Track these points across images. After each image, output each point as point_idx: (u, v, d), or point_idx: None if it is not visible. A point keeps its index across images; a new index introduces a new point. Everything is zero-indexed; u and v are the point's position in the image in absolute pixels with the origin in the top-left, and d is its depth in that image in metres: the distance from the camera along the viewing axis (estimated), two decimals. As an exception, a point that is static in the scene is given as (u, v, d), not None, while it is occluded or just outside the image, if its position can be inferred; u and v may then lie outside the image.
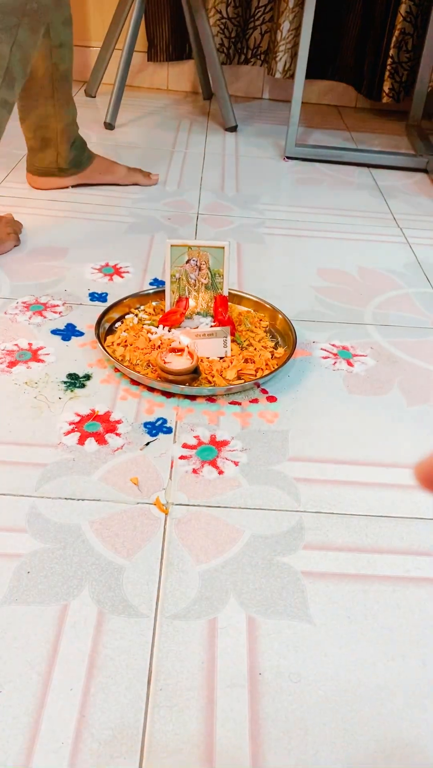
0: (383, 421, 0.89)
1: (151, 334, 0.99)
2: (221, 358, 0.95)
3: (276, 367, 0.94)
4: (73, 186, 1.50)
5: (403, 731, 0.56)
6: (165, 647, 0.60)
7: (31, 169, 1.46)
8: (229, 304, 1.04)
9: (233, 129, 1.99)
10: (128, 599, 0.64)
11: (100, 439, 0.82)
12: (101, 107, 2.07)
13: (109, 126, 1.89)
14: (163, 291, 1.04)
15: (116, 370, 0.94)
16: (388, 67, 2.10)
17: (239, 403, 0.90)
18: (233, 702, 0.57)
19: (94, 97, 2.15)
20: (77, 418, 0.85)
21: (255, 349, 0.98)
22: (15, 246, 1.23)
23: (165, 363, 0.90)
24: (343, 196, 1.61)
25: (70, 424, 0.84)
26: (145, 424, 0.85)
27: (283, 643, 0.61)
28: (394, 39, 2.05)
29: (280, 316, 1.05)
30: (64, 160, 1.44)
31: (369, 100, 2.26)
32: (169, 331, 1.00)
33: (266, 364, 0.95)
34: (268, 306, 1.07)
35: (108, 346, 0.97)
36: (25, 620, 0.61)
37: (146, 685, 0.57)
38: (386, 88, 2.13)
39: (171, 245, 0.99)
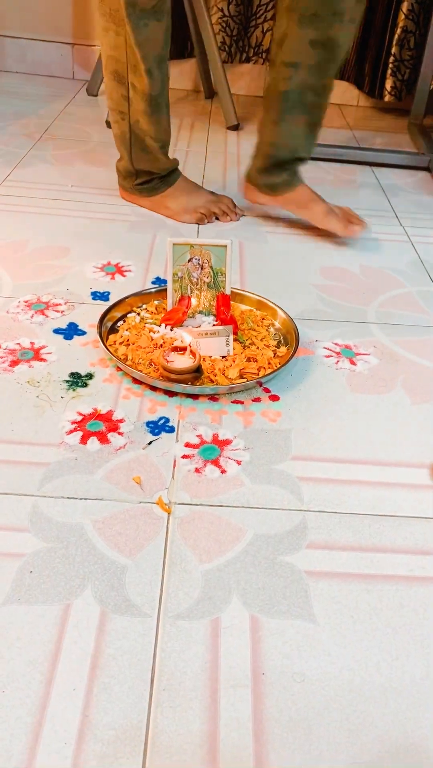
0: (387, 419, 0.89)
1: (154, 333, 0.99)
2: (223, 357, 0.95)
3: (279, 366, 0.94)
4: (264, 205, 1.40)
5: (408, 732, 0.55)
6: (168, 647, 0.60)
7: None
8: (231, 302, 1.04)
9: (235, 128, 1.98)
10: (131, 599, 0.64)
11: (103, 438, 0.82)
12: (103, 106, 2.06)
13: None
14: (166, 290, 1.04)
15: (118, 369, 0.94)
16: (390, 65, 2.09)
17: (242, 402, 0.90)
18: (237, 702, 0.56)
19: (96, 96, 2.15)
20: (79, 418, 0.84)
21: (257, 347, 0.98)
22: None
23: (167, 362, 0.90)
24: (345, 195, 1.61)
25: (73, 423, 0.84)
26: (148, 423, 0.85)
27: (286, 642, 0.61)
28: (396, 37, 2.05)
29: (282, 314, 1.05)
30: (257, 172, 1.33)
31: (371, 98, 2.26)
32: (171, 330, 1.00)
33: (269, 363, 0.95)
34: (270, 305, 1.07)
35: (110, 345, 0.96)
36: (27, 620, 0.61)
37: (149, 685, 0.57)
38: (388, 86, 2.13)
39: (173, 244, 0.99)
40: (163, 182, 1.39)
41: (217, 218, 1.41)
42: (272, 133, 1.28)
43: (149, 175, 1.37)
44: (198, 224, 1.39)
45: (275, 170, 1.31)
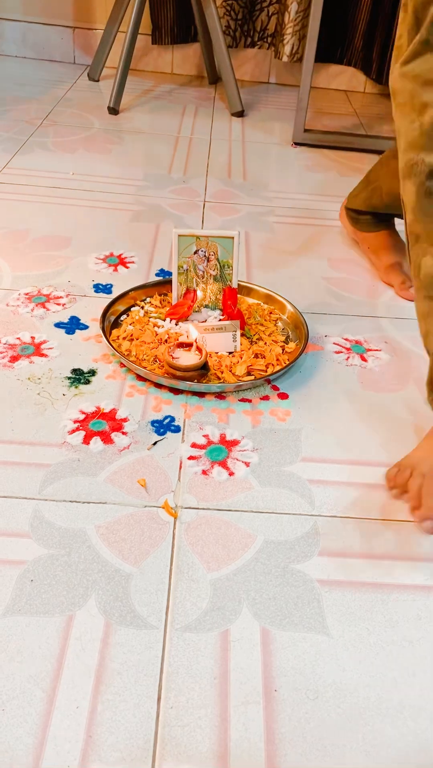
0: (400, 418, 0.86)
1: (158, 327, 0.96)
2: (230, 353, 0.92)
3: (287, 362, 0.91)
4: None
5: (428, 752, 0.53)
6: (175, 662, 0.57)
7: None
8: (238, 296, 1.00)
9: (240, 114, 1.94)
10: (136, 610, 0.61)
11: (106, 438, 0.79)
12: (105, 91, 2.02)
13: (113, 111, 1.84)
14: (170, 282, 1.00)
15: (122, 365, 0.90)
16: (398, 51, 2.04)
17: (250, 401, 0.87)
18: (248, 721, 0.54)
19: (98, 81, 2.10)
20: (82, 416, 0.81)
21: (265, 343, 0.94)
22: None
23: (173, 358, 0.87)
24: (353, 183, 1.56)
25: (75, 422, 0.81)
26: (153, 422, 0.82)
27: (299, 657, 0.58)
28: (405, 21, 1.99)
29: (291, 308, 1.01)
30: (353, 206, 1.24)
31: (379, 84, 2.21)
32: (176, 324, 0.96)
33: (277, 360, 0.91)
34: (278, 298, 1.04)
35: (113, 340, 0.93)
36: (28, 632, 0.58)
37: (156, 702, 0.54)
38: (396, 72, 2.08)
39: (178, 235, 0.95)
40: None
41: None
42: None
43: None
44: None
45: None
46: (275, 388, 0.89)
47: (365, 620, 0.62)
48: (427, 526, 0.71)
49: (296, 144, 1.76)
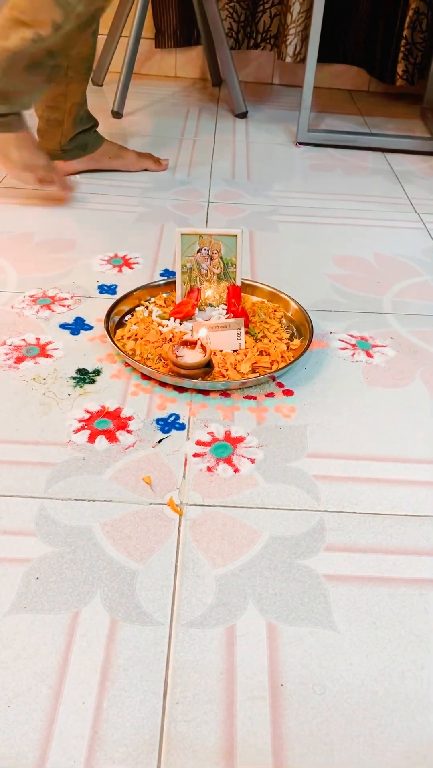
0: (406, 414, 0.86)
1: (163, 326, 0.96)
2: (234, 350, 0.92)
3: (292, 359, 0.91)
4: (79, 173, 1.45)
5: (435, 746, 0.52)
6: (181, 657, 0.57)
7: None
8: (242, 294, 1.00)
9: (243, 115, 1.94)
10: (142, 606, 0.61)
11: (111, 437, 0.79)
12: (108, 96, 2.03)
13: (117, 114, 1.85)
14: (174, 282, 1.00)
15: (127, 364, 0.91)
16: (401, 49, 2.04)
17: (254, 398, 0.86)
18: (254, 715, 0.54)
19: (101, 85, 2.11)
20: (87, 415, 0.81)
21: (270, 340, 0.94)
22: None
23: (177, 357, 0.87)
24: (357, 182, 1.56)
25: (80, 421, 0.81)
26: (158, 421, 0.82)
27: (306, 651, 0.58)
28: (408, 19, 1.99)
29: (295, 306, 1.01)
30: (67, 139, 1.37)
31: (382, 83, 2.20)
32: (180, 323, 0.96)
33: (282, 357, 0.91)
34: (282, 296, 1.04)
35: (118, 339, 0.93)
36: (34, 629, 0.58)
37: (162, 698, 0.54)
38: (399, 70, 2.07)
39: (181, 234, 0.95)
40: (19, 119, 1.23)
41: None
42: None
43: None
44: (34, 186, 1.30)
45: (79, 128, 1.39)
46: (280, 384, 0.89)
47: (372, 614, 0.61)
48: None
49: (300, 144, 1.76)
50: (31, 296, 1.04)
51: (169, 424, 0.81)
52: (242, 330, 0.92)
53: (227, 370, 0.88)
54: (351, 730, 0.53)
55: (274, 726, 0.53)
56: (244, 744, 0.52)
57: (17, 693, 0.54)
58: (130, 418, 0.82)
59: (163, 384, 0.87)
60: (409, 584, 0.64)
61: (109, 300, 1.03)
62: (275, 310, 1.02)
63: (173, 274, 1.11)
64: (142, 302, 1.03)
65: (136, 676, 0.56)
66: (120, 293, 1.05)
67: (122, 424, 0.81)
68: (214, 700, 0.54)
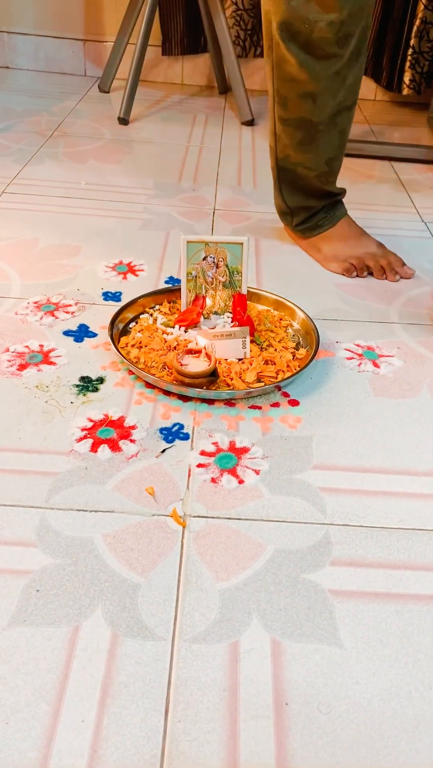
0: (414, 425, 0.84)
1: (167, 334, 0.95)
2: (239, 359, 0.91)
3: (298, 368, 0.89)
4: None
5: (444, 770, 0.51)
6: (183, 674, 0.56)
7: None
8: (248, 302, 0.99)
9: (250, 123, 1.94)
10: (144, 620, 0.59)
11: (114, 446, 0.78)
12: (115, 102, 2.03)
13: (123, 121, 1.85)
14: (179, 289, 1.00)
15: (130, 372, 0.90)
16: (408, 58, 2.04)
17: (260, 408, 0.85)
18: (258, 735, 0.52)
19: (108, 92, 2.11)
20: (90, 424, 0.80)
21: (276, 350, 0.93)
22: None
23: (181, 365, 0.86)
24: (364, 191, 1.56)
25: (83, 430, 0.80)
26: (161, 430, 0.80)
27: (311, 669, 0.57)
28: (415, 28, 1.99)
29: (301, 314, 1.00)
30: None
31: (389, 92, 2.20)
32: (185, 331, 0.95)
33: (288, 366, 0.90)
34: (288, 304, 1.03)
35: (122, 347, 0.92)
36: (33, 643, 0.57)
37: (163, 716, 0.53)
38: (406, 79, 2.07)
39: (187, 241, 0.94)
40: (327, 218, 1.20)
41: (370, 274, 1.19)
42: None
43: (307, 212, 1.20)
44: (345, 275, 1.18)
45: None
46: (286, 394, 0.88)
47: (378, 631, 0.60)
48: None
49: (307, 152, 1.75)
50: (35, 303, 1.03)
51: (173, 434, 0.80)
52: (248, 339, 0.91)
53: (231, 379, 0.87)
54: (358, 752, 0.52)
55: (278, 746, 0.52)
56: (247, 765, 0.50)
57: (15, 709, 0.53)
58: (133, 427, 0.80)
59: (167, 393, 0.86)
60: (417, 600, 0.63)
61: (114, 307, 1.02)
62: (281, 319, 1.01)
63: (178, 281, 1.10)
64: (147, 310, 1.02)
65: (137, 693, 0.54)
66: (125, 300, 1.05)
67: (125, 434, 0.79)
68: (217, 719, 0.53)
